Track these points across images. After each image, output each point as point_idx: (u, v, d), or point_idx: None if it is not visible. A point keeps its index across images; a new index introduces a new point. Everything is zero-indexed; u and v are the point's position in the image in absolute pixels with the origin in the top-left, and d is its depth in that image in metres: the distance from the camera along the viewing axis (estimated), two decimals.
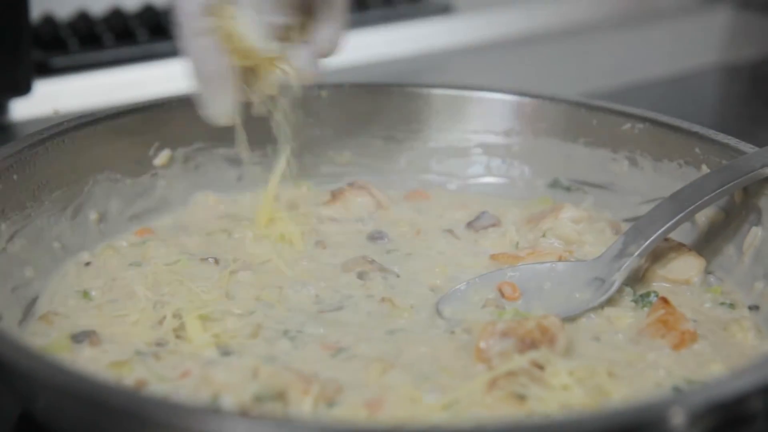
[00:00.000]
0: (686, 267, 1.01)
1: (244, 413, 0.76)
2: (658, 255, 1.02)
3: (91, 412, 0.70)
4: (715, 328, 0.94)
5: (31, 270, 0.96)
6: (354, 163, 1.20)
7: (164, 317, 0.91)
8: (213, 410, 0.69)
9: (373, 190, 1.14)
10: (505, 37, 1.89)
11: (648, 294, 0.98)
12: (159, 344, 0.89)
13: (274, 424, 0.68)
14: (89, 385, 0.69)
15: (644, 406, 0.69)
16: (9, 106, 1.48)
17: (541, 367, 0.84)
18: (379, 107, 1.18)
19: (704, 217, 1.06)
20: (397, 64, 1.76)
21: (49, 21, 1.67)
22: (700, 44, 1.98)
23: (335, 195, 1.14)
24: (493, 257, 1.05)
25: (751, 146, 1.03)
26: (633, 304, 0.97)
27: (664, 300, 0.95)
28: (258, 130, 1.09)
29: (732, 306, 0.98)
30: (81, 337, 0.89)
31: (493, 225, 1.11)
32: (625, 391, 0.83)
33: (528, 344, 0.86)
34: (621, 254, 0.98)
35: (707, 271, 1.02)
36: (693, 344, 0.91)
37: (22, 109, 1.48)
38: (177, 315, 0.91)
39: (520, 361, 0.84)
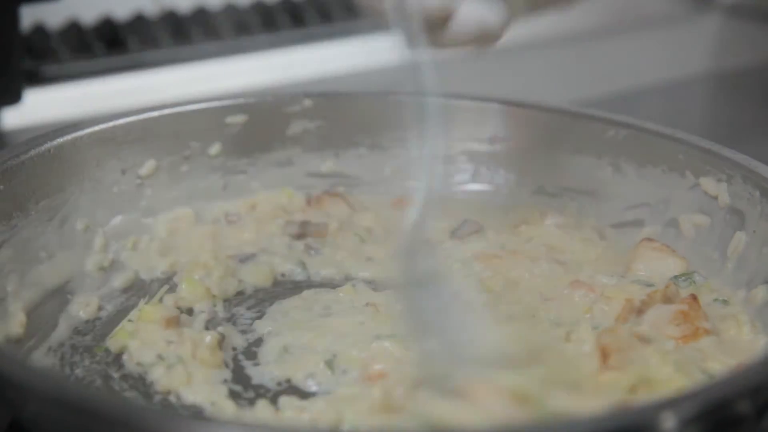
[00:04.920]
0: (668, 267, 1.02)
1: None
2: (639, 255, 1.02)
3: (80, 421, 0.70)
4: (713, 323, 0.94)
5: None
6: (339, 170, 1.20)
7: None
8: (202, 418, 0.69)
9: (348, 198, 1.16)
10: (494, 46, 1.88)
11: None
12: None
13: (263, 430, 0.69)
14: (78, 394, 0.70)
15: (635, 411, 0.70)
16: (0, 115, 1.48)
17: None
18: (364, 115, 1.18)
19: (688, 221, 1.06)
20: (384, 73, 1.76)
21: (39, 30, 1.67)
22: (690, 52, 1.98)
23: (311, 202, 1.15)
24: (475, 258, 1.06)
25: (734, 151, 1.04)
26: None
27: (694, 297, 0.95)
28: (243, 138, 1.11)
29: (726, 302, 0.98)
30: None
31: (477, 232, 1.11)
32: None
33: None
34: None
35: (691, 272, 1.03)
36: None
37: (12, 118, 1.48)
38: None
39: None
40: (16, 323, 0.92)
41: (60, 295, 0.99)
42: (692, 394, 0.71)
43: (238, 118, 1.13)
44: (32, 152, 1.00)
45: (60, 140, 1.03)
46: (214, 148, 1.13)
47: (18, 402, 0.76)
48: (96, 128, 1.06)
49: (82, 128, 1.06)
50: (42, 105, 1.51)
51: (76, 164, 1.05)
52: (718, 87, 1.84)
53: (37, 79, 1.57)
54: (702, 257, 1.04)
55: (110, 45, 1.67)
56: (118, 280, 1.04)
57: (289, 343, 0.92)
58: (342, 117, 1.18)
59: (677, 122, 1.14)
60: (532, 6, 0.95)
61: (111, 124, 1.08)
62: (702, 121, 1.70)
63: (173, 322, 0.93)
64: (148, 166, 1.10)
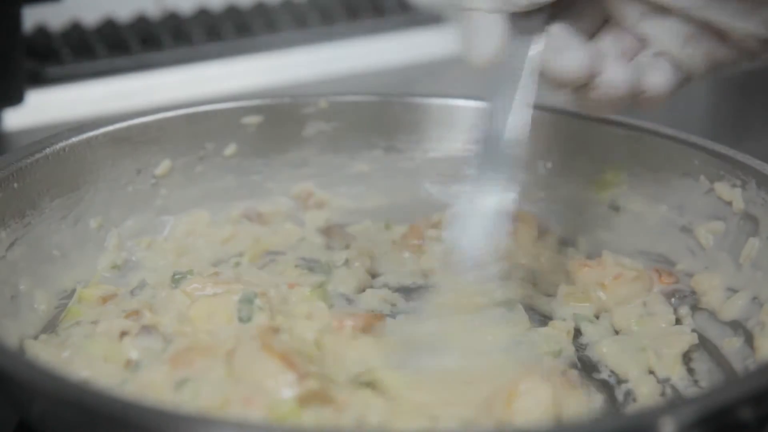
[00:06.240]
0: None
1: None
2: None
3: (86, 420, 0.70)
4: None
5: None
6: None
7: None
8: (208, 419, 0.69)
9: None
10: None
11: None
12: None
13: (263, 430, 0.69)
14: (83, 393, 0.69)
15: (633, 417, 0.70)
16: (2, 116, 1.47)
17: None
18: (379, 117, 1.18)
19: (703, 228, 1.06)
20: (389, 75, 1.77)
21: (42, 31, 1.67)
22: None
23: None
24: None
25: (749, 157, 1.03)
26: None
27: None
28: (258, 139, 1.10)
29: None
30: None
31: None
32: None
33: None
34: None
35: None
36: None
37: (15, 119, 1.47)
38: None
39: None
40: (29, 321, 0.93)
41: (72, 293, 0.99)
42: (692, 400, 0.71)
43: (254, 119, 1.13)
44: (47, 150, 1.00)
45: (75, 139, 1.03)
46: (230, 149, 1.13)
47: (25, 402, 0.75)
48: (111, 128, 1.06)
49: (97, 127, 1.05)
50: (44, 106, 1.51)
51: (90, 163, 1.04)
52: (719, 89, 1.84)
53: (39, 80, 1.57)
54: (713, 263, 1.03)
55: (112, 46, 1.67)
56: (131, 280, 1.04)
57: None
58: (358, 119, 1.17)
59: (677, 124, 1.13)
60: (713, 68, 0.89)
61: (126, 123, 1.07)
62: (703, 123, 1.69)
63: None
64: (163, 166, 1.10)
